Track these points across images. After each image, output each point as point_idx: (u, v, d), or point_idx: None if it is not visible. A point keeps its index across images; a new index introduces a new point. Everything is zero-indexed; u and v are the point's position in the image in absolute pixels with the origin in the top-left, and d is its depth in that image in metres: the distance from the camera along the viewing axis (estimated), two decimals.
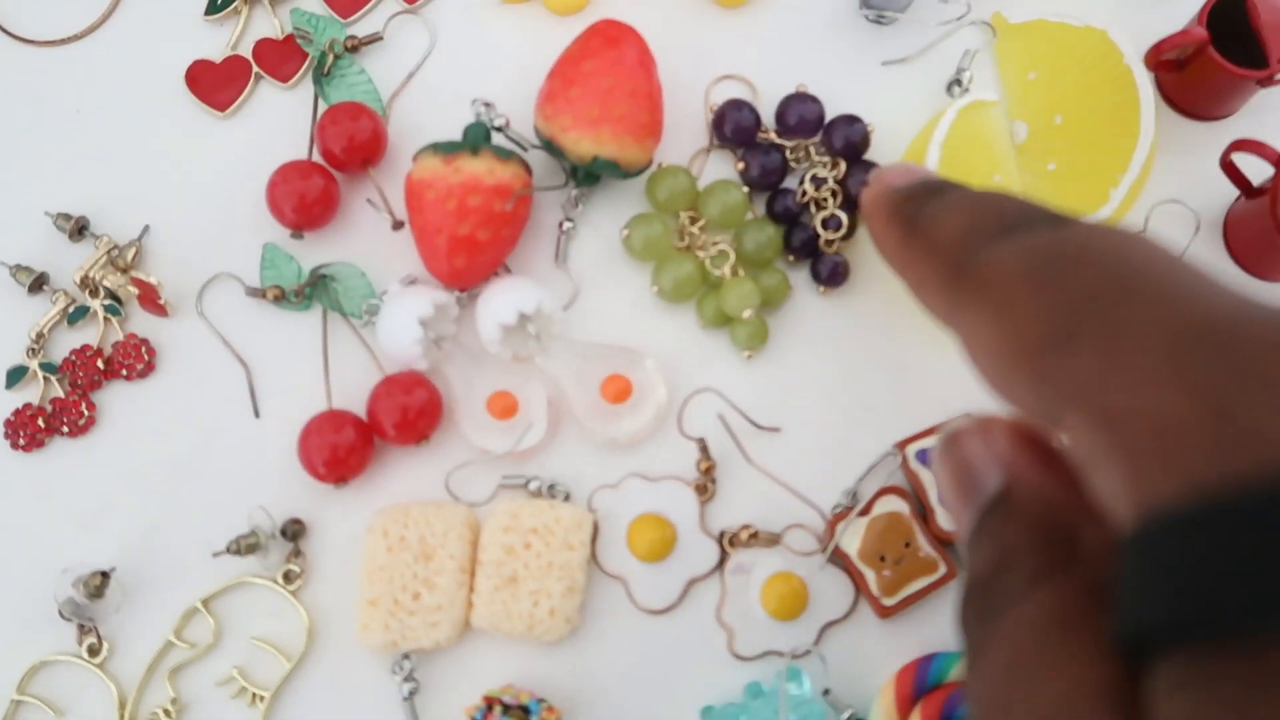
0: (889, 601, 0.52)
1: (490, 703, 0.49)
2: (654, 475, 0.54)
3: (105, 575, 0.52)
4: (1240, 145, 0.54)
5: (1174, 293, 0.20)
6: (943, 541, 0.53)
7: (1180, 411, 0.18)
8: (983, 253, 0.23)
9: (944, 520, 0.53)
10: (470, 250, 0.53)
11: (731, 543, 0.53)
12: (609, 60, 0.54)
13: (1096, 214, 0.56)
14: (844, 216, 0.56)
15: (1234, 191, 0.56)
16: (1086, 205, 0.56)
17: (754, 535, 0.53)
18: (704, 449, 0.54)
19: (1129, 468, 0.18)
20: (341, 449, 0.52)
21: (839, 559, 0.53)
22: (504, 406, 0.53)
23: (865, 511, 0.53)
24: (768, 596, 0.53)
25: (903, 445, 0.54)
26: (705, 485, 0.54)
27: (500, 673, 0.52)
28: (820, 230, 0.56)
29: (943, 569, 0.52)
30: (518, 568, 0.51)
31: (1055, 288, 0.21)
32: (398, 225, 0.56)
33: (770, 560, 0.53)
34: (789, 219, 0.57)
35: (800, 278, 0.57)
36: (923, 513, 0.53)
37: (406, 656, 0.52)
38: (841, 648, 0.53)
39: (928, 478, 0.53)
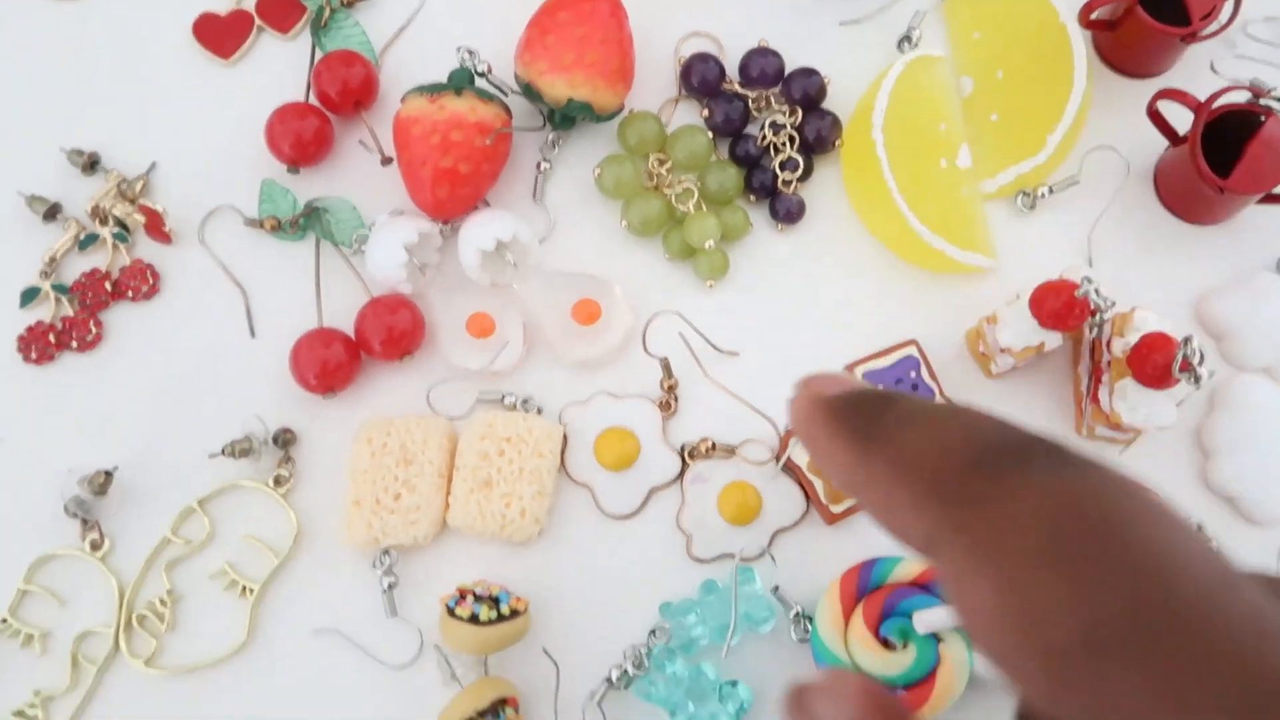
0: (836, 509, 0.56)
1: (463, 592, 0.53)
2: (620, 393, 0.58)
3: (108, 474, 0.56)
4: (1165, 94, 0.58)
5: (1231, 625, 0.18)
6: None
7: None
8: (975, 492, 0.21)
9: None
10: (452, 182, 0.57)
11: (691, 455, 0.57)
12: (583, 11, 0.59)
13: (1034, 159, 0.60)
14: (800, 160, 0.61)
15: (1164, 143, 0.61)
16: (1025, 151, 0.60)
17: (712, 448, 0.57)
18: (666, 368, 0.58)
19: None
20: (331, 362, 0.57)
21: (791, 470, 0.57)
22: (482, 326, 0.57)
23: None
24: (724, 504, 0.57)
25: (851, 367, 0.58)
26: (668, 402, 0.58)
27: (472, 571, 0.56)
28: (779, 171, 0.61)
29: None
30: (492, 472, 0.55)
31: (1083, 582, 0.19)
32: (386, 161, 0.60)
33: (727, 471, 0.57)
34: (750, 162, 0.61)
35: (760, 217, 0.62)
36: None
37: (386, 553, 0.55)
38: (792, 552, 0.57)
39: None
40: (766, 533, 0.57)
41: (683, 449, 0.58)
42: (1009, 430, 0.22)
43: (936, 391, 0.57)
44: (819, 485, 0.56)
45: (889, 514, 0.23)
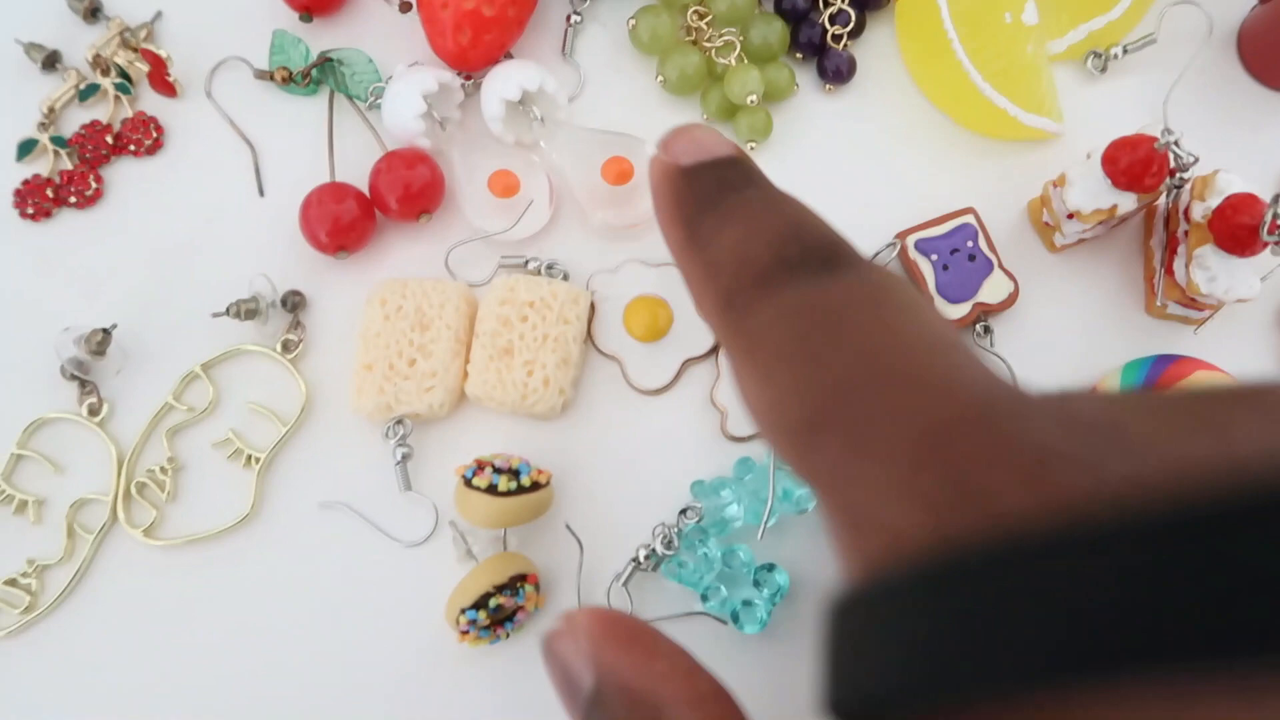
0: None
1: (481, 464, 0.49)
2: (653, 260, 0.54)
3: (106, 332, 0.52)
4: None
5: (925, 379, 0.20)
6: None
7: (913, 523, 0.18)
8: (749, 300, 0.23)
9: (943, 309, 0.52)
10: (476, 26, 0.53)
11: None
12: None
13: (1107, 15, 0.55)
14: (852, 13, 0.56)
15: (1249, 2, 0.56)
16: (1099, 6, 0.55)
17: None
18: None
19: (863, 564, 0.19)
20: (343, 219, 0.53)
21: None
22: (505, 184, 0.53)
23: None
24: None
25: (902, 235, 0.54)
26: None
27: (491, 446, 0.52)
28: (828, 26, 0.56)
29: None
30: (513, 339, 0.51)
31: (809, 367, 0.21)
32: (405, 8, 0.56)
33: None
34: (797, 16, 0.57)
35: (806, 77, 0.57)
36: None
37: (400, 422, 0.52)
38: None
39: (926, 267, 0.53)
40: None
41: None
42: (806, 239, 0.24)
43: (995, 263, 0.53)
44: None
45: (699, 305, 0.25)
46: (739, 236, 0.25)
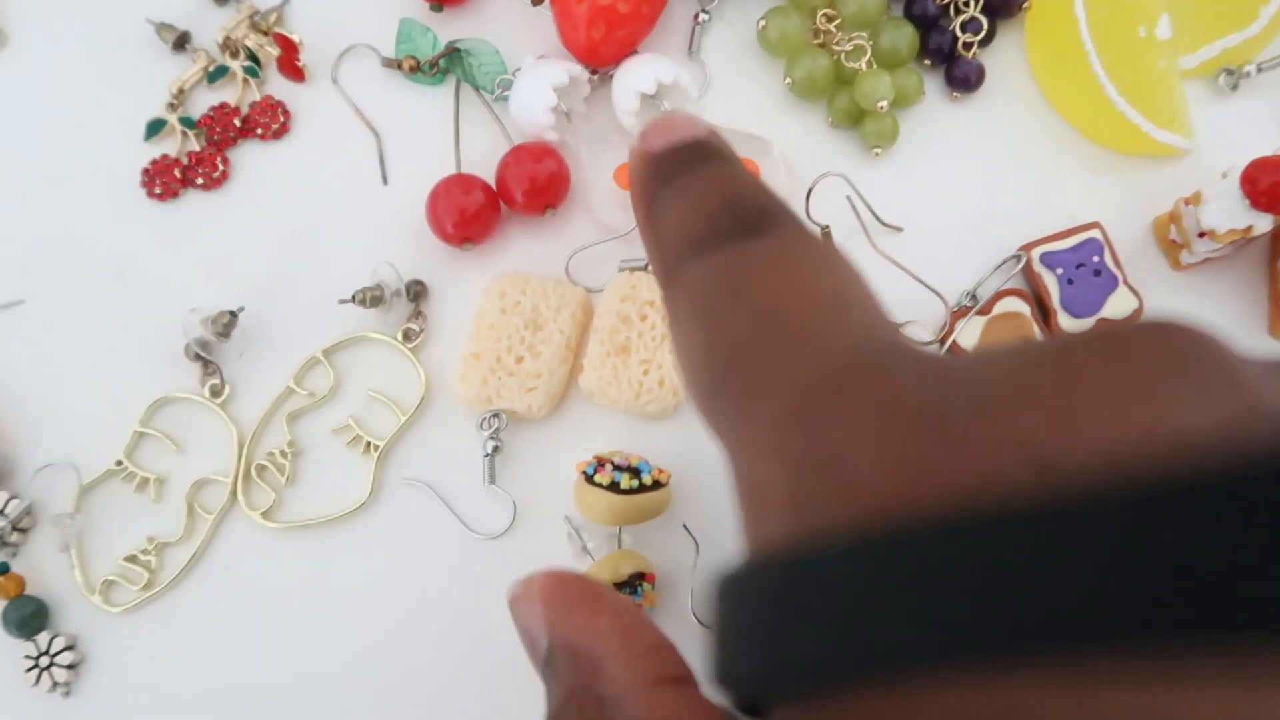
0: None
1: (601, 460, 0.49)
2: None
3: (233, 314, 0.53)
4: None
5: (814, 338, 0.20)
6: None
7: (778, 483, 0.18)
8: (682, 267, 0.24)
9: (1065, 322, 0.52)
10: (610, 21, 0.53)
11: None
12: None
13: (1243, 32, 0.55)
14: (984, 20, 0.55)
15: None
16: (1234, 23, 0.55)
17: None
18: (827, 236, 0.53)
19: (748, 532, 0.19)
20: (470, 210, 0.53)
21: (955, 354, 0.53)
22: None
23: (985, 311, 0.53)
24: None
25: (1028, 248, 0.53)
26: None
27: (587, 450, 0.52)
28: (959, 33, 0.56)
29: None
30: (631, 336, 0.51)
31: (716, 326, 0.22)
32: (538, 0, 0.56)
33: None
34: (927, 22, 0.56)
35: (933, 84, 0.57)
36: (1044, 316, 0.53)
37: (496, 415, 0.52)
38: None
39: (1050, 280, 0.53)
40: None
41: None
42: (740, 207, 0.24)
43: (1121, 279, 0.52)
44: None
45: (656, 279, 0.26)
46: (682, 210, 0.25)
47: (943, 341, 0.53)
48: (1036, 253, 0.53)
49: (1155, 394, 0.17)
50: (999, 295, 0.53)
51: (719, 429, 0.21)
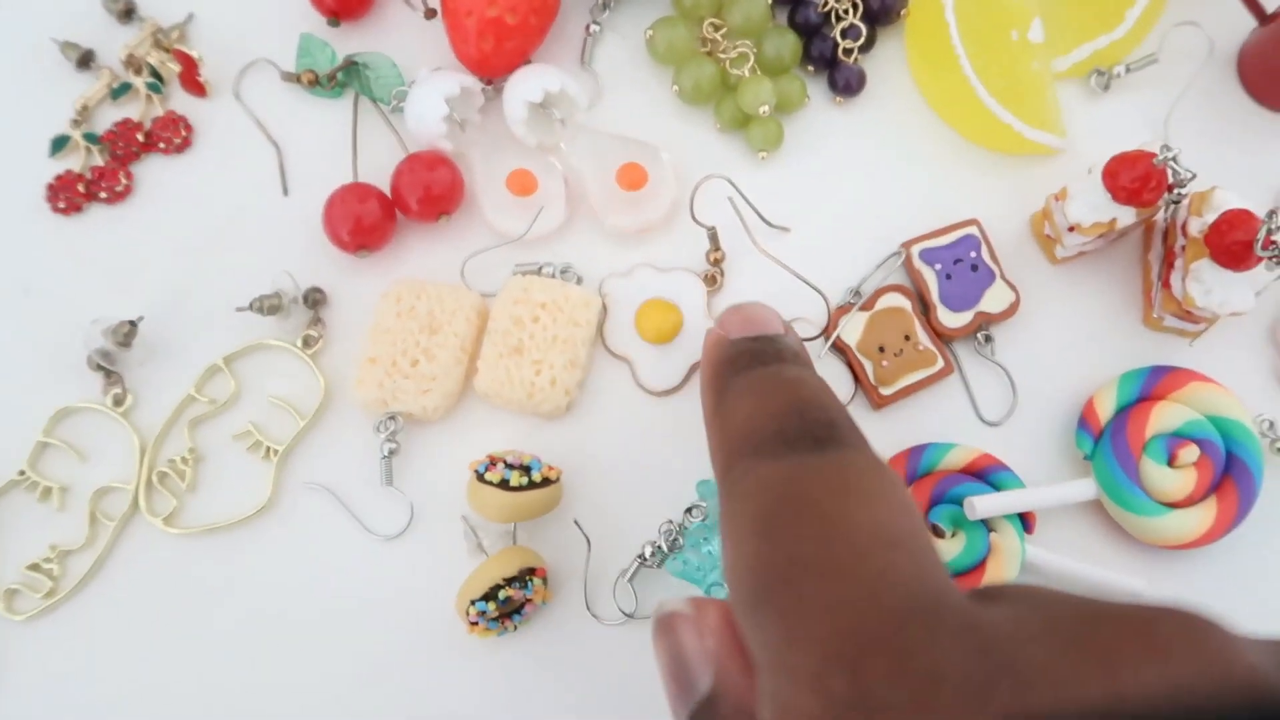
0: (885, 391, 0.54)
1: (493, 459, 0.51)
2: (664, 266, 0.56)
3: (133, 324, 0.54)
4: None
5: (860, 577, 0.22)
6: (942, 337, 0.54)
7: (817, 714, 0.20)
8: (745, 464, 0.25)
9: (945, 317, 0.54)
10: (498, 34, 0.55)
11: None
12: None
13: (1111, 34, 0.57)
14: (863, 27, 0.57)
15: (1251, 22, 0.57)
16: (1102, 26, 0.57)
17: None
18: (714, 238, 0.55)
19: None
20: (365, 219, 0.54)
21: (840, 350, 0.54)
22: (523, 184, 0.55)
23: (868, 307, 0.54)
24: None
25: (908, 245, 0.55)
26: (714, 276, 0.56)
27: (484, 450, 0.53)
28: (839, 40, 0.57)
29: (940, 363, 0.53)
30: (524, 338, 0.53)
31: (773, 538, 0.23)
32: (430, 14, 0.58)
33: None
34: (810, 30, 0.58)
35: (817, 90, 0.59)
36: (925, 310, 0.55)
37: (393, 418, 0.53)
38: None
39: (930, 275, 0.54)
40: None
41: None
42: (809, 414, 0.26)
43: (998, 273, 0.54)
44: (869, 367, 0.54)
45: (713, 466, 0.28)
46: (751, 408, 0.27)
47: (826, 335, 0.54)
48: (916, 249, 0.55)
49: (1183, 687, 0.18)
50: (881, 291, 0.55)
51: (756, 636, 0.22)
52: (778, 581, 0.22)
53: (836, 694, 0.20)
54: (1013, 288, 0.54)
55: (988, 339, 0.54)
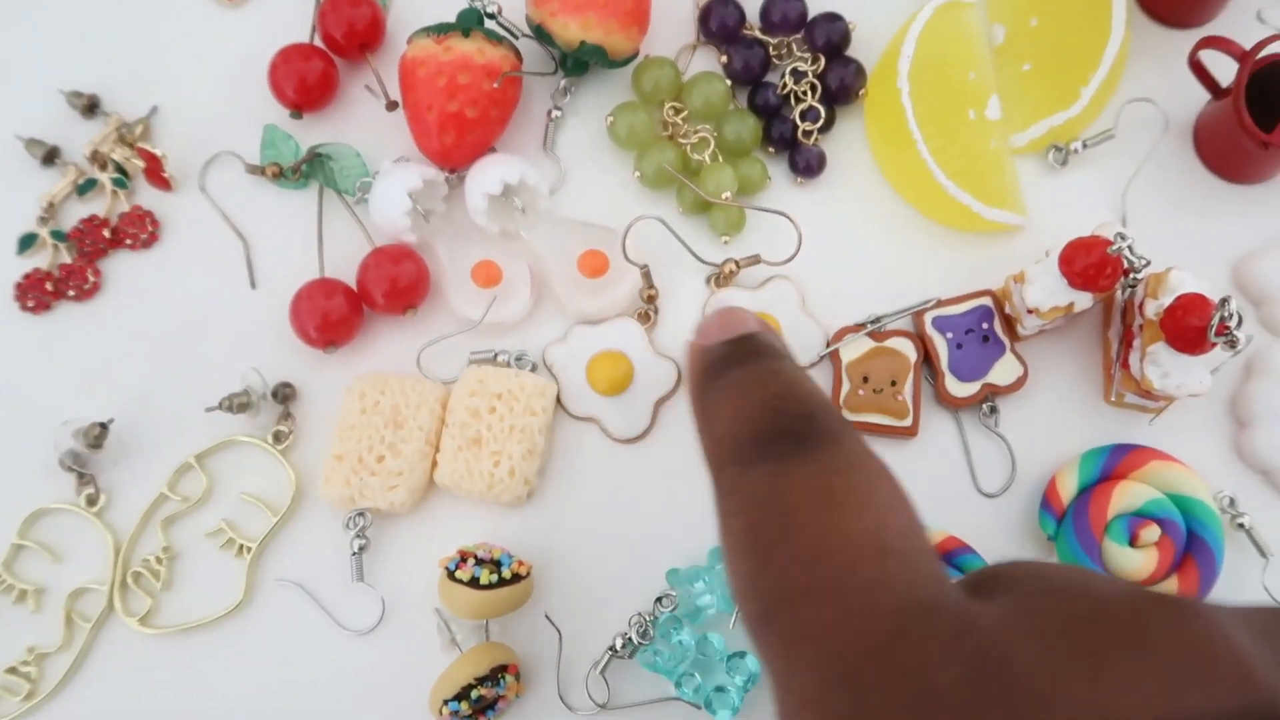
0: (846, 415, 0.54)
1: (464, 555, 0.51)
2: (594, 318, 0.57)
3: (104, 426, 0.54)
4: (1207, 42, 0.55)
5: (854, 591, 0.22)
6: (943, 403, 0.55)
7: None
8: (728, 471, 0.26)
9: (953, 386, 0.54)
10: (459, 127, 0.55)
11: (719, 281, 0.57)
12: None
13: (1067, 111, 0.57)
14: (822, 110, 0.58)
15: (1205, 96, 0.58)
16: (1059, 103, 0.58)
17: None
18: (647, 276, 0.56)
19: None
20: (333, 315, 0.55)
21: (833, 363, 0.56)
22: (488, 275, 0.55)
23: (878, 337, 0.55)
24: None
25: (920, 314, 0.56)
26: (648, 314, 0.57)
27: (454, 542, 0.54)
28: (799, 122, 0.58)
29: (908, 421, 0.54)
30: (481, 429, 0.53)
31: (763, 559, 0.24)
32: (392, 106, 0.58)
33: (751, 300, 0.57)
34: (769, 112, 0.59)
35: (778, 170, 0.59)
36: (931, 375, 0.55)
37: (361, 514, 0.54)
38: None
39: (940, 344, 0.55)
40: None
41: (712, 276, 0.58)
42: (788, 413, 0.26)
43: (1008, 346, 0.55)
44: (846, 387, 0.55)
45: (706, 465, 0.28)
46: (731, 412, 0.28)
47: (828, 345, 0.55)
48: (929, 316, 0.55)
49: (1173, 687, 0.19)
50: (899, 332, 0.56)
51: (767, 655, 0.23)
52: (772, 606, 0.23)
53: (840, 714, 0.20)
54: (1022, 361, 0.55)
55: (993, 410, 0.55)
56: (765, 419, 0.27)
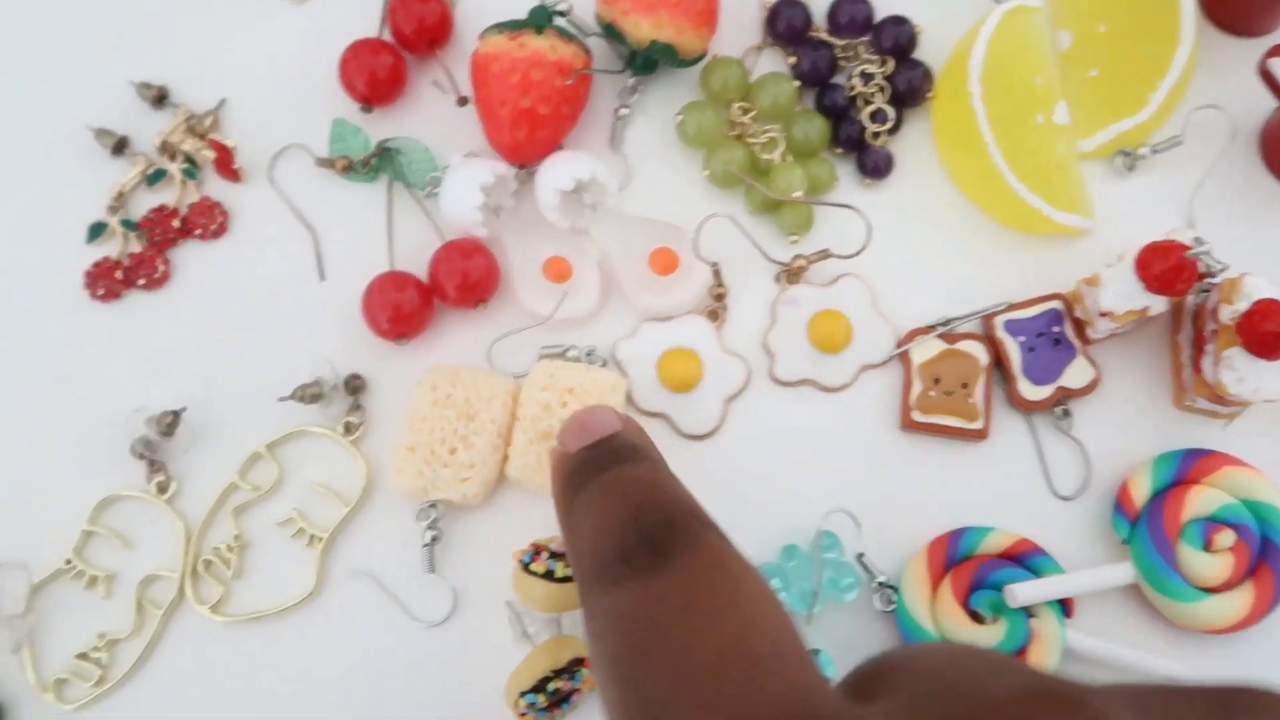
0: (917, 416, 0.55)
1: (538, 548, 0.51)
2: (661, 315, 0.57)
3: (176, 414, 0.55)
4: (1277, 50, 0.56)
5: (718, 708, 0.22)
6: (1016, 406, 0.55)
7: None
8: (594, 601, 0.26)
9: (1025, 389, 0.55)
10: (532, 123, 0.56)
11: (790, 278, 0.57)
12: None
13: (1135, 117, 0.58)
14: (890, 111, 0.58)
15: (1273, 104, 0.58)
16: (1126, 108, 0.58)
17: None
18: (717, 274, 0.57)
19: None
20: (404, 307, 0.55)
21: (903, 362, 0.56)
22: (559, 270, 0.56)
23: (949, 339, 0.56)
24: (815, 328, 0.56)
25: (990, 317, 0.56)
26: (716, 311, 0.57)
27: (523, 536, 0.54)
28: (867, 124, 0.58)
29: (979, 424, 0.54)
30: (553, 423, 0.53)
31: (627, 686, 0.23)
32: (462, 101, 0.58)
33: (821, 297, 0.57)
34: (837, 113, 0.59)
35: (844, 171, 0.60)
36: (1004, 379, 0.56)
37: (433, 505, 0.54)
38: (870, 516, 0.55)
39: (1012, 347, 0.55)
40: (853, 365, 0.57)
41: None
42: (640, 524, 0.26)
43: (1079, 349, 0.55)
44: (916, 388, 0.55)
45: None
46: (592, 525, 0.28)
47: (898, 345, 0.55)
48: (1000, 320, 0.56)
49: None
50: (969, 334, 0.56)
51: None
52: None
53: None
54: (1094, 364, 0.55)
55: (1066, 413, 0.55)
56: (625, 533, 0.27)
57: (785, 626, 0.24)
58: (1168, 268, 0.50)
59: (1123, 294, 0.52)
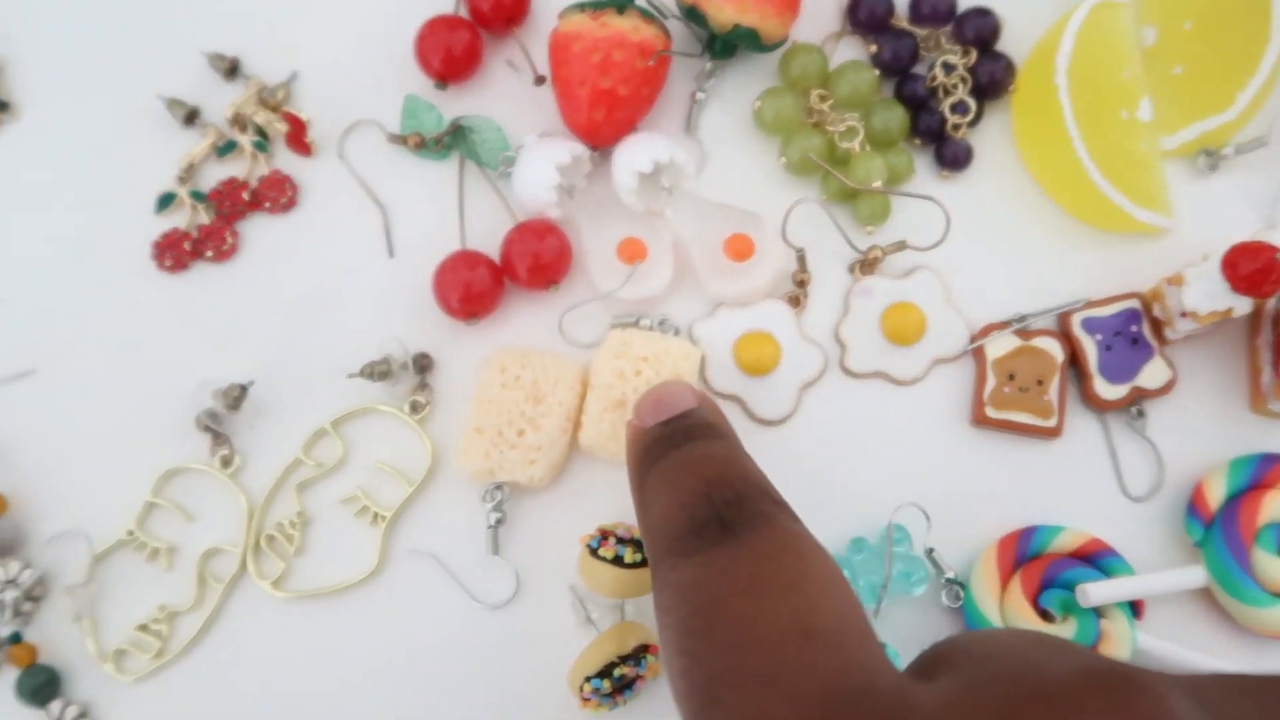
0: (991, 413, 0.54)
1: (605, 533, 0.51)
2: (739, 300, 0.57)
3: (243, 388, 0.54)
4: None
5: (781, 680, 0.22)
6: (1090, 405, 0.55)
7: None
8: (663, 567, 0.26)
9: (1101, 388, 0.54)
10: (610, 104, 0.55)
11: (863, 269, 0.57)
12: None
13: (1221, 116, 0.57)
14: (972, 103, 0.57)
15: None
16: (1213, 107, 0.57)
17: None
18: (802, 260, 0.56)
19: None
20: (475, 286, 0.54)
21: (976, 358, 0.56)
22: (633, 251, 0.55)
23: (1025, 335, 0.55)
24: (888, 320, 0.56)
25: (1068, 315, 0.55)
26: (798, 298, 0.56)
27: (589, 519, 0.54)
28: (948, 115, 0.57)
29: (1053, 422, 0.54)
30: (627, 391, 0.53)
31: (694, 654, 0.24)
32: (540, 80, 0.58)
33: (895, 289, 0.57)
34: (916, 104, 0.58)
35: (924, 161, 0.59)
36: (1079, 377, 0.55)
37: (499, 488, 0.53)
38: (940, 511, 0.54)
39: (1089, 345, 0.54)
40: (925, 358, 0.57)
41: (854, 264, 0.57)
42: (712, 498, 0.27)
43: (1156, 349, 0.55)
44: (991, 384, 0.54)
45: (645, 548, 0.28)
46: (665, 500, 0.28)
47: (971, 339, 0.54)
48: (1077, 318, 0.55)
49: None
50: (1045, 331, 0.55)
51: None
52: (707, 702, 0.23)
53: None
54: (1171, 365, 0.54)
55: (1140, 414, 0.54)
56: (696, 507, 0.27)
57: (850, 606, 0.24)
58: (1256, 268, 0.50)
59: (1207, 294, 0.51)
